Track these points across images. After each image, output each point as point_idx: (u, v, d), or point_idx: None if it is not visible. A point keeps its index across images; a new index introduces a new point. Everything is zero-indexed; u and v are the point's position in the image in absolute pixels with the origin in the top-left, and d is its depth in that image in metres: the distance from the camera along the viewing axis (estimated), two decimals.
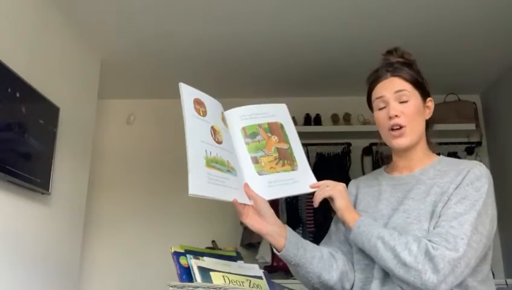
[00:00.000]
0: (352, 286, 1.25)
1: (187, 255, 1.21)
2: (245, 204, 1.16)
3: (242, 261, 1.36)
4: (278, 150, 1.26)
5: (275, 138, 1.27)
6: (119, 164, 3.98)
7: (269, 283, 1.32)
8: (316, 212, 3.45)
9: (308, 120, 3.82)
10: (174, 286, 1.14)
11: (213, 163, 1.11)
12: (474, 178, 1.16)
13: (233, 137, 1.23)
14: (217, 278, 1.16)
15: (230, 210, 3.46)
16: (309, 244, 1.24)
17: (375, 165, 3.65)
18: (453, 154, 3.52)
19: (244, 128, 1.26)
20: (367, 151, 3.80)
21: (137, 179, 3.94)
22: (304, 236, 3.52)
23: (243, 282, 1.21)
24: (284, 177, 1.23)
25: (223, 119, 1.24)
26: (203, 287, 1.11)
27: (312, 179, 1.27)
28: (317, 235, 3.34)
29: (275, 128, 1.29)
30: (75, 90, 3.03)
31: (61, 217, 2.78)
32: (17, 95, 2.26)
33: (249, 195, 1.17)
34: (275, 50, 3.28)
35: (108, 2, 2.74)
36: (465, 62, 3.40)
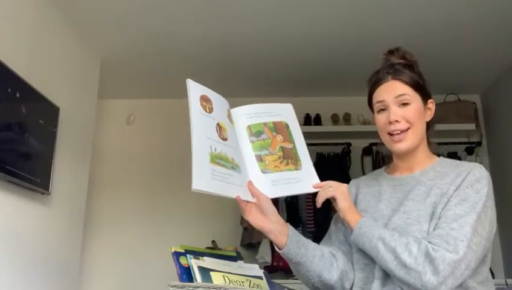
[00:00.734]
0: (352, 286, 1.26)
1: (187, 255, 1.21)
2: (248, 201, 1.17)
3: (242, 261, 1.36)
4: (283, 149, 1.26)
5: (279, 137, 1.28)
6: (119, 164, 3.98)
7: (269, 283, 1.32)
8: (316, 212, 3.45)
9: (308, 120, 3.82)
10: (175, 286, 1.14)
11: (217, 159, 1.11)
12: (474, 180, 1.16)
13: (239, 135, 1.24)
14: (217, 278, 1.16)
15: (230, 210, 3.49)
16: (310, 243, 1.25)
17: (375, 165, 3.65)
18: (453, 154, 3.52)
19: (249, 127, 1.26)
20: (367, 151, 3.80)
21: (137, 179, 3.94)
22: (304, 236, 3.52)
23: (243, 282, 1.21)
24: (287, 176, 1.23)
25: (229, 116, 1.24)
26: (203, 287, 1.11)
27: (315, 179, 1.28)
28: (317, 235, 3.34)
29: (280, 128, 1.29)
30: (75, 90, 3.03)
31: (61, 217, 2.78)
32: (17, 95, 2.26)
33: (252, 192, 1.18)
34: (275, 50, 3.28)
35: (108, 2, 2.74)
36: (465, 62, 3.40)
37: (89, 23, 2.97)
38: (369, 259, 1.20)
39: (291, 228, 1.22)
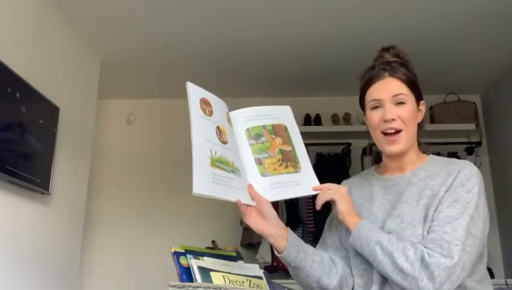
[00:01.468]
0: None
1: (187, 255, 1.21)
2: (248, 205, 1.16)
3: (242, 261, 1.36)
4: (282, 151, 1.26)
5: (278, 140, 1.27)
6: (119, 164, 3.98)
7: (269, 283, 1.32)
8: (316, 212, 3.45)
9: (308, 120, 3.82)
10: (174, 286, 1.14)
11: (218, 163, 1.11)
12: (464, 179, 1.15)
13: (238, 138, 1.24)
14: (217, 278, 1.16)
15: (230, 210, 3.49)
16: (310, 248, 1.24)
17: None
18: (453, 154, 3.52)
19: (248, 130, 1.26)
20: (367, 151, 3.80)
21: (137, 179, 3.94)
22: (304, 236, 3.54)
23: (243, 282, 1.21)
24: (287, 179, 1.23)
25: (228, 119, 1.24)
26: (203, 287, 1.11)
27: (315, 181, 1.27)
28: (317, 235, 3.33)
29: (279, 130, 1.29)
30: (75, 90, 3.03)
31: (61, 217, 2.78)
32: (17, 95, 2.26)
33: (252, 196, 1.17)
34: (275, 50, 3.28)
35: (109, 3, 2.74)
36: (465, 62, 3.40)
37: (89, 23, 2.97)
38: (367, 264, 1.19)
39: (291, 232, 1.21)
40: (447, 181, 1.16)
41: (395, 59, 1.27)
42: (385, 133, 1.23)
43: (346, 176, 3.55)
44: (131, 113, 4.08)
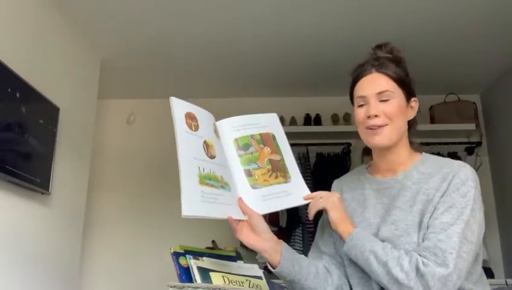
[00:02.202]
0: None
1: (187, 256, 1.20)
2: (239, 220, 1.14)
3: (242, 261, 1.36)
4: (271, 161, 1.24)
5: (267, 150, 1.25)
6: (119, 164, 3.99)
7: (269, 283, 1.32)
8: (316, 212, 3.44)
9: (308, 120, 3.81)
10: (174, 287, 1.14)
11: (206, 180, 1.09)
12: (459, 183, 1.12)
13: (226, 149, 1.22)
14: (216, 279, 1.16)
15: None
16: (304, 260, 1.22)
17: None
18: (453, 154, 3.52)
19: (236, 140, 1.24)
20: (367, 151, 3.79)
21: (137, 179, 3.94)
22: (304, 236, 3.53)
23: (242, 282, 1.21)
24: (277, 189, 1.21)
25: (216, 131, 1.22)
26: (203, 288, 1.11)
27: (305, 190, 1.26)
28: None
29: (267, 139, 1.27)
30: (75, 90, 3.03)
31: (61, 217, 2.78)
32: (17, 95, 2.26)
33: (243, 210, 1.15)
34: (275, 50, 3.28)
35: (109, 3, 2.74)
36: (465, 62, 3.40)
37: (89, 23, 2.97)
38: (363, 272, 1.17)
39: (284, 244, 1.19)
40: (442, 186, 1.14)
41: (386, 55, 1.25)
42: (370, 129, 1.21)
43: None
44: (131, 113, 4.08)
